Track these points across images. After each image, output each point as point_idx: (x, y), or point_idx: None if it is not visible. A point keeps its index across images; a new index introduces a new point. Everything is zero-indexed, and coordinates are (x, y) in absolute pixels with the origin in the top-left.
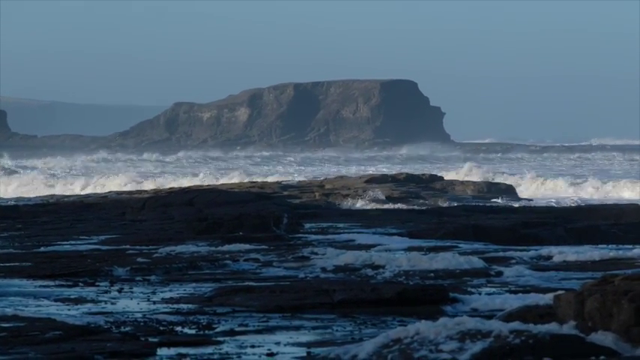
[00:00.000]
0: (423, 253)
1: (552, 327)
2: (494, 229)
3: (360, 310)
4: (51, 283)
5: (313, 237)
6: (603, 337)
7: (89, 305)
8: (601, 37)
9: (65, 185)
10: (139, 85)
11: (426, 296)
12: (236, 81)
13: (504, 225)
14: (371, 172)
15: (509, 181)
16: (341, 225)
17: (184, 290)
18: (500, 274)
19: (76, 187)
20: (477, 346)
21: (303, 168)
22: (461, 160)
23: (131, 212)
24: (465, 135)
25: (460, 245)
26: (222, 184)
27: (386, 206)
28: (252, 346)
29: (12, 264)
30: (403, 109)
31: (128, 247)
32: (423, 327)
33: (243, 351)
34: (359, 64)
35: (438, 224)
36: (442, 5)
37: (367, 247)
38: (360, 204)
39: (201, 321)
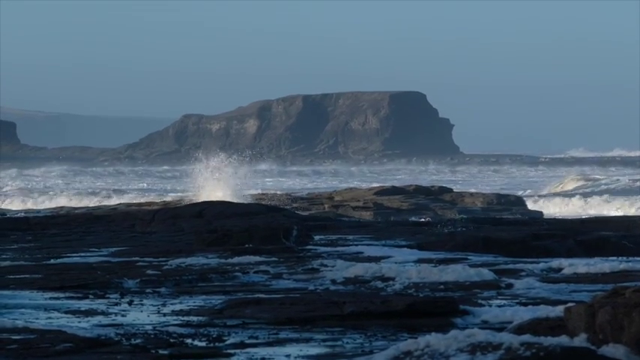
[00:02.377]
0: (433, 265)
1: (563, 339)
2: (504, 241)
3: (370, 323)
4: (61, 295)
5: (323, 249)
6: (614, 350)
7: (99, 317)
8: (614, 46)
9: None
10: (148, 96)
11: (436, 308)
12: (245, 93)
13: (514, 237)
14: (380, 183)
15: None
16: (350, 237)
17: (194, 302)
18: (510, 286)
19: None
20: (488, 359)
21: (311, 179)
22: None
23: (141, 224)
24: (475, 146)
25: (470, 257)
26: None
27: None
28: (263, 359)
29: (22, 276)
30: (412, 121)
31: (138, 259)
32: (433, 339)
33: None
34: (368, 75)
35: (448, 236)
36: (451, 17)
37: (377, 259)
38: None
39: (212, 333)
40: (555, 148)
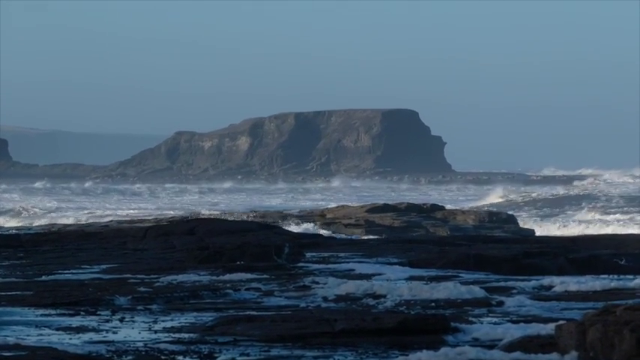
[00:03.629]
0: (425, 282)
1: (554, 357)
2: (495, 258)
3: (361, 340)
4: (52, 312)
5: (314, 266)
6: None
7: (91, 334)
8: (604, 67)
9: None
10: (141, 113)
11: (428, 326)
12: (237, 110)
13: (506, 255)
14: (372, 201)
15: None
16: (342, 254)
17: (186, 319)
18: (501, 303)
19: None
20: None
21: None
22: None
23: (132, 241)
24: (466, 164)
25: (461, 275)
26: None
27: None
28: None
29: (14, 293)
30: (404, 139)
31: (129, 276)
32: (424, 357)
33: None
34: (360, 93)
35: (440, 254)
36: (443, 35)
37: (368, 277)
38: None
39: (203, 350)
40: (548, 166)
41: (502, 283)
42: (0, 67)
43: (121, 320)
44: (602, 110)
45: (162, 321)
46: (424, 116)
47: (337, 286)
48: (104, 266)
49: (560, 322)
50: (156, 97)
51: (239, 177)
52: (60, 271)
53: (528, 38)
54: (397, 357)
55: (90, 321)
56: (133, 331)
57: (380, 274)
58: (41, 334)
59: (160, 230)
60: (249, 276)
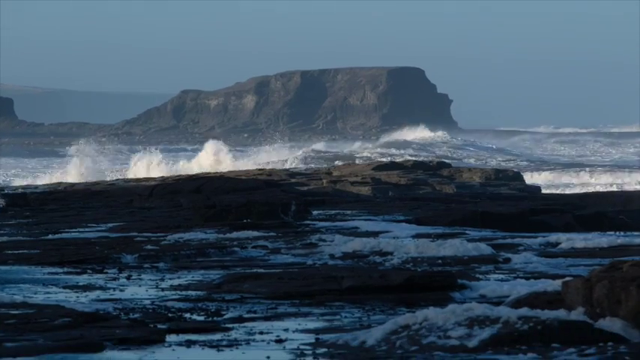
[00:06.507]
0: (431, 239)
1: (560, 313)
2: (502, 215)
3: (368, 297)
4: (59, 270)
5: (321, 224)
6: (611, 324)
7: (98, 292)
8: (609, 22)
9: None
10: (146, 72)
11: (434, 283)
12: (243, 68)
13: (512, 212)
14: (378, 159)
15: None
16: (349, 212)
17: (193, 277)
18: (508, 260)
19: None
20: (486, 333)
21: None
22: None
23: (139, 200)
24: (472, 122)
25: (468, 232)
26: (230, 172)
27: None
28: (261, 333)
29: (20, 251)
30: (410, 97)
31: (136, 234)
32: (431, 313)
33: (251, 337)
34: (366, 51)
35: (446, 211)
36: None
37: (375, 234)
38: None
39: (210, 308)
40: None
41: (509, 240)
42: (2, 25)
43: (128, 278)
44: (618, 67)
45: (170, 279)
46: (430, 74)
47: (344, 243)
48: (111, 225)
49: (567, 278)
50: (161, 56)
51: (245, 135)
52: (66, 230)
53: None
54: (404, 314)
55: (97, 279)
56: (140, 289)
57: (387, 232)
58: (48, 292)
59: (167, 188)
60: (255, 234)
